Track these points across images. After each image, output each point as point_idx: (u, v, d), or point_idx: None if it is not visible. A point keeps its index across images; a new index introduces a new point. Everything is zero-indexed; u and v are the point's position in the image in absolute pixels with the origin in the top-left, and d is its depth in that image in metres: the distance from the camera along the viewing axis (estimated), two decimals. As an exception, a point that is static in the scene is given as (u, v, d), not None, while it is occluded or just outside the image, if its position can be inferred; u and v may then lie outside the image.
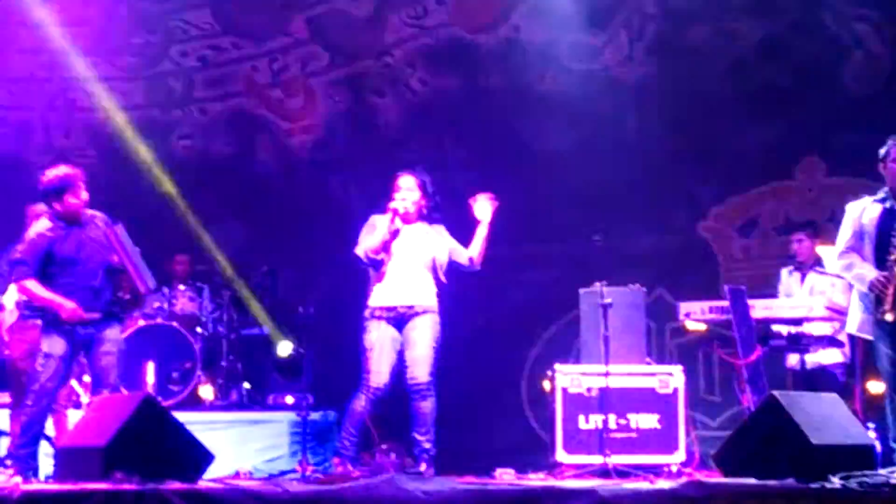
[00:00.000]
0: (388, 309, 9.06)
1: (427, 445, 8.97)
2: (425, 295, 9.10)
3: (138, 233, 9.42)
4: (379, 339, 9.04)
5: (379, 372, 8.99)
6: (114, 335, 9.11)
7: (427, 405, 9.00)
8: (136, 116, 13.35)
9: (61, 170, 9.21)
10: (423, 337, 9.01)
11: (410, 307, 9.04)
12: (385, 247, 9.03)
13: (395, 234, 9.01)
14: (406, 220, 9.10)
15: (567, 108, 12.85)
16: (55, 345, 8.95)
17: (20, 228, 9.67)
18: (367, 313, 9.15)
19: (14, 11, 13.39)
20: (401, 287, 9.08)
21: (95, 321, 8.97)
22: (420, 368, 8.99)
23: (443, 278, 9.17)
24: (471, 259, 9.16)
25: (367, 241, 9.10)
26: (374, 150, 13.13)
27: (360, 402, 9.02)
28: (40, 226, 9.11)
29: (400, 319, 9.05)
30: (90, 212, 9.22)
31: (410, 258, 9.09)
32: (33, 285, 8.90)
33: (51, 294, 8.86)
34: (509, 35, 13.38)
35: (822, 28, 12.47)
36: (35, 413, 8.97)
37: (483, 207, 9.07)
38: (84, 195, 9.10)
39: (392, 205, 9.07)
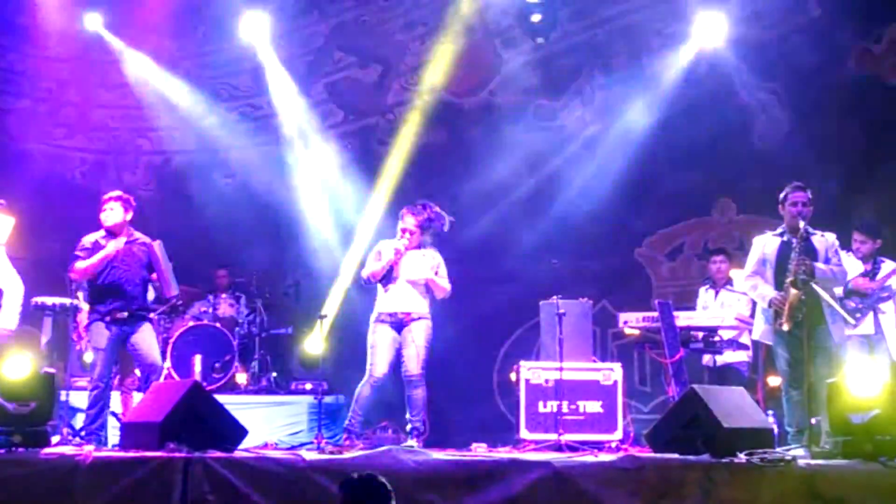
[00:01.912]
0: (390, 315, 9.11)
1: (418, 425, 9.00)
2: (420, 304, 9.19)
3: (187, 251, 9.42)
4: (381, 339, 9.11)
5: (380, 365, 9.06)
6: (147, 329, 9.10)
7: (418, 393, 9.03)
8: (190, 158, 13.32)
9: (113, 192, 9.28)
10: (418, 338, 9.07)
11: (408, 314, 9.09)
12: (383, 274, 9.10)
13: (393, 262, 9.08)
14: (407, 247, 9.16)
15: (532, 156, 12.87)
16: (99, 339, 8.98)
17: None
18: (372, 317, 9.18)
19: (93, 74, 13.38)
20: (401, 297, 9.13)
21: (126, 320, 8.97)
22: (414, 363, 9.03)
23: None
24: (443, 290, 9.29)
25: (371, 268, 9.20)
26: (378, 187, 13.07)
27: (366, 389, 9.08)
28: (96, 234, 9.13)
29: (399, 323, 9.10)
30: (137, 234, 9.23)
31: (409, 275, 9.14)
32: (80, 263, 8.93)
33: (95, 256, 8.89)
34: (487, 99, 13.40)
35: (734, 96, 12.48)
36: (95, 395, 8.97)
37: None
38: (105, 214, 9.08)
39: (396, 246, 9.10)
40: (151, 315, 9.50)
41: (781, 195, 8.62)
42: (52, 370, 8.40)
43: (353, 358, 11.55)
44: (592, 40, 13.11)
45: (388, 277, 9.16)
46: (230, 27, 13.17)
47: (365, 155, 13.48)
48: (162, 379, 10.42)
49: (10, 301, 9.09)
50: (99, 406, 8.99)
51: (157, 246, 9.15)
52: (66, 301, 10.03)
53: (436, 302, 9.35)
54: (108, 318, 9.00)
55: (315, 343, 11.79)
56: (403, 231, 9.23)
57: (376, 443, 9.36)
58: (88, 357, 9.94)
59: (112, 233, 9.13)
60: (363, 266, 9.47)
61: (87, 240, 9.14)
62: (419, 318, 9.13)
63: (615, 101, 12.86)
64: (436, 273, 9.25)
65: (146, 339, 9.07)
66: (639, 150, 12.39)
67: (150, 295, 9.61)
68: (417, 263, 9.22)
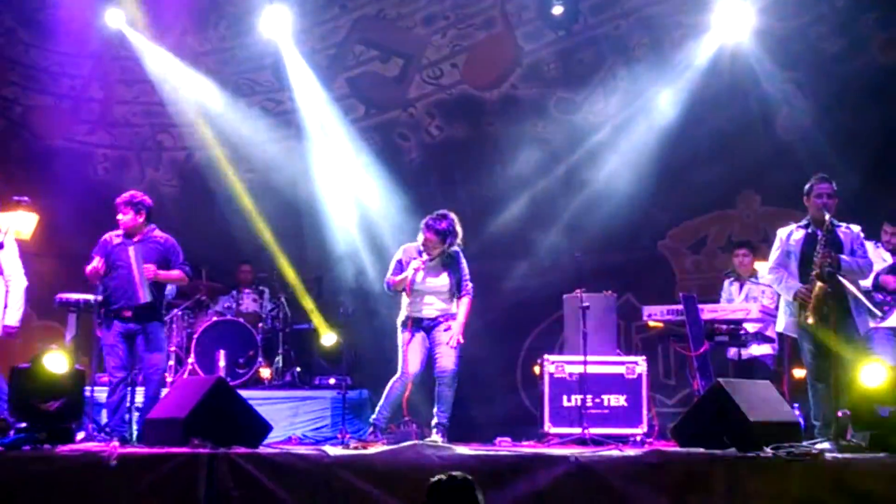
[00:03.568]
0: (419, 319, 9.17)
1: (444, 421, 8.98)
2: (446, 307, 9.20)
3: (209, 246, 9.42)
4: (413, 338, 9.14)
5: (413, 363, 9.11)
6: (147, 334, 9.12)
7: (449, 392, 9.02)
8: (213, 153, 13.32)
9: (125, 195, 9.30)
10: (446, 338, 9.10)
11: (436, 318, 9.10)
12: (405, 286, 9.13)
13: (416, 272, 9.10)
14: (428, 259, 9.18)
15: (553, 150, 12.82)
16: (107, 337, 9.03)
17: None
18: (399, 319, 9.21)
19: (115, 70, 13.40)
20: (426, 305, 9.18)
21: (132, 319, 9.00)
22: (447, 361, 9.07)
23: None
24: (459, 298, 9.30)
25: (393, 279, 9.26)
26: (400, 181, 13.06)
27: (398, 385, 9.13)
28: (112, 233, 9.18)
29: (429, 327, 9.09)
30: (157, 233, 9.26)
31: (431, 288, 9.18)
32: (89, 265, 9.00)
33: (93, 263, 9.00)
34: (508, 92, 13.33)
35: (757, 87, 12.40)
36: (112, 392, 9.04)
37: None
38: (123, 217, 9.11)
39: (415, 265, 9.11)
40: (175, 311, 9.50)
41: (806, 187, 8.57)
42: (78, 366, 8.44)
43: (374, 354, 11.62)
44: (614, 32, 13.04)
45: (410, 287, 9.16)
46: (251, 22, 13.15)
47: (386, 149, 13.46)
48: (186, 374, 10.49)
49: (12, 298, 9.17)
50: (116, 401, 9.04)
51: (132, 250, 9.11)
52: (90, 297, 10.06)
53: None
54: (115, 317, 9.06)
55: (336, 338, 11.81)
56: (425, 244, 9.20)
57: (400, 438, 9.34)
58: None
59: (128, 234, 9.18)
60: (389, 268, 9.44)
61: (105, 238, 9.23)
62: (447, 319, 9.14)
63: (637, 93, 12.79)
64: (459, 277, 9.23)
65: (149, 340, 9.10)
66: (661, 143, 12.34)
67: (170, 291, 9.60)
68: (439, 274, 9.23)
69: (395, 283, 9.21)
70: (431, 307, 9.18)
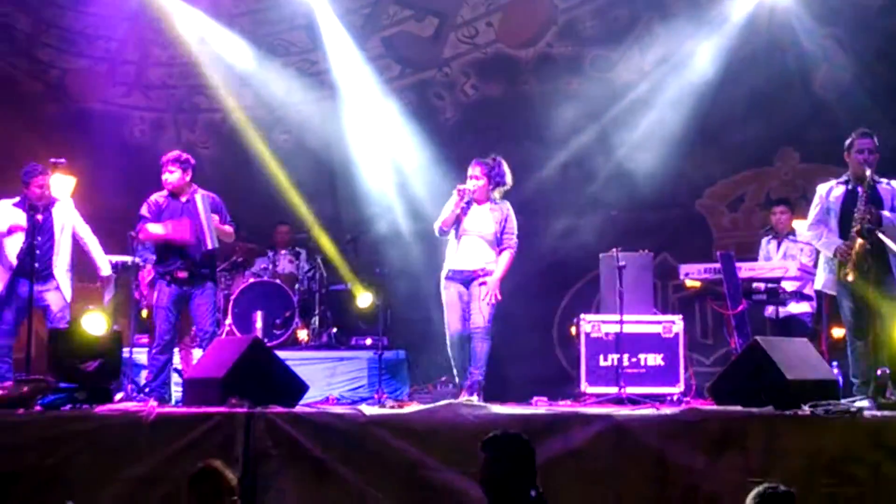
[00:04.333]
0: (459, 272, 9.13)
1: (479, 378, 8.98)
2: (486, 261, 9.16)
3: (246, 209, 9.46)
4: (451, 297, 9.18)
5: (454, 322, 9.14)
6: (207, 293, 9.15)
7: (483, 346, 9.06)
8: (248, 115, 13.33)
9: (168, 154, 9.33)
10: (482, 294, 9.07)
11: (475, 271, 9.08)
12: (455, 221, 9.07)
13: (463, 210, 9.08)
14: (478, 200, 9.15)
15: (589, 108, 12.69)
16: (161, 297, 9.09)
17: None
18: (442, 274, 9.23)
19: (150, 32, 13.40)
20: (469, 255, 9.15)
21: (188, 280, 9.02)
22: (479, 317, 9.07)
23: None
24: (502, 250, 9.23)
25: (442, 216, 9.23)
26: (436, 141, 13.03)
27: (452, 348, 9.17)
28: (160, 193, 9.22)
29: (467, 280, 9.09)
30: (201, 191, 9.30)
31: (477, 231, 9.13)
32: (151, 227, 8.99)
33: (161, 228, 9.02)
34: (544, 50, 13.22)
35: (796, 44, 12.25)
36: (156, 353, 9.10)
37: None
38: (172, 176, 9.15)
39: (460, 186, 9.08)
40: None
41: (847, 142, 8.46)
42: (116, 327, 8.51)
43: (410, 313, 11.64)
44: (651, -12, 12.92)
45: (457, 232, 9.13)
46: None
47: (422, 109, 13.42)
48: (223, 335, 10.54)
49: (98, 249, 9.58)
50: (161, 363, 9.10)
51: (200, 198, 9.19)
52: (128, 259, 10.12)
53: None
54: (167, 278, 9.10)
55: (372, 299, 11.84)
56: (470, 178, 9.20)
57: (437, 397, 9.36)
58: (145, 314, 10.09)
59: (174, 194, 9.20)
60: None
61: (151, 200, 9.23)
62: (486, 275, 9.12)
63: (674, 50, 12.65)
64: (503, 228, 9.21)
65: (203, 303, 9.16)
66: (699, 100, 12.21)
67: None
68: (485, 218, 9.20)
69: (447, 218, 9.16)
70: (472, 258, 9.15)
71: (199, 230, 9.10)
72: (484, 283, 9.10)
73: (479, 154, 9.52)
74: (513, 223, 9.26)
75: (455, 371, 9.21)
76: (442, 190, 10.41)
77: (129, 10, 13.15)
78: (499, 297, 9.09)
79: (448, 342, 9.19)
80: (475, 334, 9.08)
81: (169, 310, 9.10)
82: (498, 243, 9.21)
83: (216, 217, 9.23)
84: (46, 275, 9.18)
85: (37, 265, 8.94)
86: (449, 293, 9.18)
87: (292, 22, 13.49)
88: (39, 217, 9.05)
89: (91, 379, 7.88)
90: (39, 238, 9.04)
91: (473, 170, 9.24)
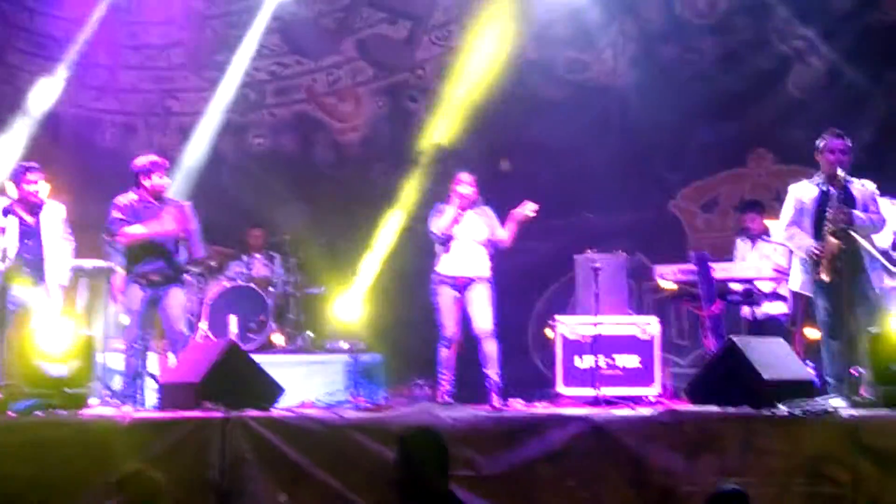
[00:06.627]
0: (451, 277, 9.18)
1: (496, 379, 9.05)
2: (482, 267, 9.29)
3: (219, 211, 9.44)
4: (445, 300, 9.21)
5: (449, 326, 9.18)
6: (178, 294, 9.10)
7: (493, 347, 9.12)
8: (220, 119, 13.30)
9: (150, 157, 9.28)
10: (482, 297, 9.20)
11: (469, 278, 9.17)
12: (453, 225, 9.13)
13: (460, 216, 9.13)
14: (465, 207, 9.23)
15: (563, 110, 12.73)
16: (133, 301, 9.01)
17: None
18: (435, 279, 9.24)
19: (122, 36, 13.35)
20: (463, 260, 9.21)
21: (159, 282, 8.97)
22: (483, 321, 9.13)
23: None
24: (502, 240, 9.32)
25: (440, 222, 9.26)
26: (409, 144, 13.04)
27: (443, 351, 9.21)
28: (128, 196, 9.12)
29: (461, 286, 9.13)
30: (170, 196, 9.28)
31: (469, 237, 9.20)
32: (132, 229, 8.92)
33: (147, 227, 8.90)
34: (517, 52, 13.27)
35: (770, 44, 12.34)
36: (131, 357, 9.02)
37: (525, 210, 9.18)
38: (166, 180, 9.13)
39: (461, 190, 9.25)
40: (186, 276, 9.50)
41: (818, 143, 8.51)
42: (89, 332, 8.46)
43: (390, 317, 11.62)
44: (624, -10, 12.97)
45: (449, 238, 9.19)
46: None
47: (396, 111, 13.42)
48: (199, 340, 10.49)
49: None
50: (135, 368, 9.04)
51: (188, 207, 9.17)
52: (101, 263, 10.06)
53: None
54: (142, 281, 9.04)
55: (348, 302, 11.82)
56: (462, 184, 9.32)
57: (413, 400, 9.36)
58: (123, 319, 9.99)
59: (157, 196, 9.15)
60: (430, 221, 9.46)
61: (121, 201, 9.13)
62: (480, 280, 9.19)
63: (647, 52, 12.72)
64: (492, 227, 9.33)
65: (174, 305, 9.07)
66: (673, 101, 12.24)
67: (183, 256, 9.60)
68: (477, 223, 9.31)
69: (445, 223, 9.20)
70: (467, 265, 9.21)
71: (189, 236, 9.09)
72: (481, 290, 9.16)
73: (454, 156, 9.58)
74: (498, 223, 9.37)
75: (441, 372, 9.19)
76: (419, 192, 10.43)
77: (101, 14, 13.09)
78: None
79: (441, 344, 9.18)
80: (483, 338, 9.14)
81: (142, 313, 9.03)
82: (492, 245, 9.30)
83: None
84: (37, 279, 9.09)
85: (27, 269, 8.89)
86: (444, 298, 9.22)
87: (266, 25, 13.46)
88: (30, 220, 9.01)
89: (64, 384, 7.84)
90: (29, 242, 8.98)
91: (465, 177, 9.39)
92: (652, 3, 12.86)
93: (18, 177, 9.10)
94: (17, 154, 11.83)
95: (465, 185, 9.33)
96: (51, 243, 9.12)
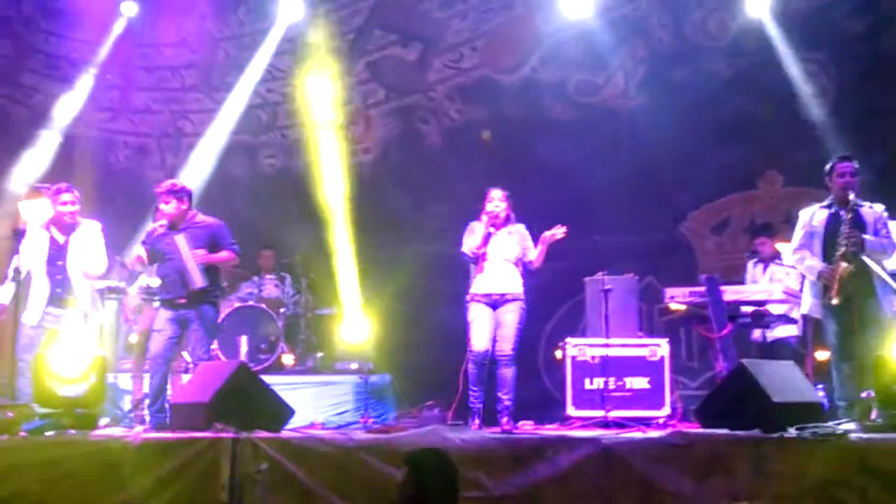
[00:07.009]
0: (486, 295, 9.03)
1: (508, 403, 8.85)
2: (514, 284, 9.10)
3: (230, 231, 9.44)
4: (478, 315, 8.99)
5: (479, 340, 8.94)
6: (203, 316, 9.09)
7: (509, 372, 8.92)
8: (232, 140, 13.36)
9: (163, 183, 9.28)
10: (512, 320, 8.99)
11: (503, 294, 9.01)
12: (485, 243, 9.05)
13: (489, 235, 9.05)
14: (496, 225, 9.13)
15: (574, 132, 12.78)
16: (157, 321, 9.01)
17: (140, 227, 9.78)
18: (468, 297, 9.09)
19: (135, 58, 13.43)
20: (495, 278, 9.05)
21: (185, 305, 8.98)
22: (506, 343, 8.94)
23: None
24: (532, 262, 9.16)
25: (471, 241, 9.14)
26: (420, 165, 13.08)
27: (471, 367, 8.94)
28: (157, 223, 9.15)
29: (495, 303, 9.02)
30: (200, 217, 9.25)
31: (502, 255, 9.09)
32: (131, 256, 9.00)
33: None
34: (528, 75, 13.30)
35: (779, 66, 12.35)
36: (154, 377, 9.00)
37: (553, 234, 9.07)
38: (167, 206, 9.11)
39: (490, 207, 9.13)
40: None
41: (827, 166, 8.53)
42: (102, 353, 8.48)
43: (399, 337, 11.62)
44: (634, 13, 13.00)
45: (482, 256, 9.10)
46: (270, 7, 13.19)
47: (407, 133, 13.46)
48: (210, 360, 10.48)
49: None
50: (159, 387, 9.01)
51: (179, 239, 9.05)
52: (114, 283, 10.09)
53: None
54: (168, 305, 9.02)
55: (357, 323, 11.84)
56: (493, 201, 9.20)
57: (423, 422, 9.35)
58: (133, 339, 10.03)
59: (172, 224, 9.15)
60: (464, 241, 9.32)
61: (150, 228, 9.19)
62: (514, 300, 9.04)
63: (658, 74, 12.76)
64: (525, 247, 9.20)
65: (198, 328, 9.04)
66: (683, 124, 12.27)
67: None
68: (508, 241, 9.17)
69: (477, 244, 9.06)
70: (499, 282, 9.06)
71: (182, 272, 9.04)
72: (513, 310, 9.02)
73: (465, 177, 9.56)
74: (531, 241, 9.25)
75: (473, 388, 8.93)
76: (429, 213, 10.44)
77: (113, 36, 13.18)
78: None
79: (470, 360, 8.93)
80: (501, 360, 8.98)
81: (165, 331, 9.00)
82: (523, 266, 9.18)
83: (201, 251, 9.08)
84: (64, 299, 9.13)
85: (58, 290, 8.98)
86: (478, 311, 9.00)
87: (277, 47, 13.53)
88: (60, 240, 9.09)
89: (76, 405, 7.86)
90: (58, 263, 9.06)
91: (496, 194, 9.22)
92: (662, 25, 12.90)
93: (52, 197, 9.17)
94: (40, 172, 11.97)
95: (495, 201, 9.18)
96: (77, 266, 9.15)
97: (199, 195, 12.51)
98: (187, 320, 8.99)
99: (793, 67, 12.38)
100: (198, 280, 8.93)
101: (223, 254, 9.23)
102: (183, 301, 8.94)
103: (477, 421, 8.77)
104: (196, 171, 13.10)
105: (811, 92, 12.31)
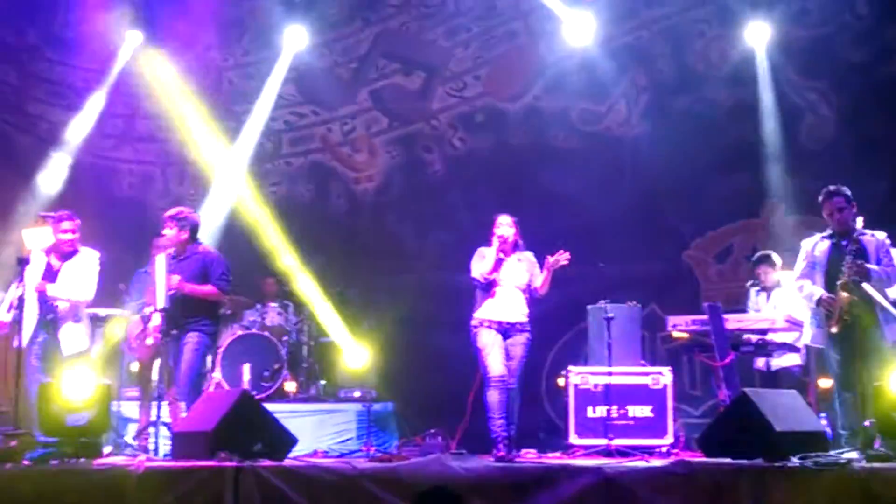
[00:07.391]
0: (497, 322, 8.95)
1: (511, 433, 8.79)
2: (523, 312, 9.06)
3: (234, 261, 9.47)
4: (489, 341, 8.88)
5: (494, 366, 8.81)
6: (186, 342, 9.10)
7: (512, 403, 8.86)
8: (239, 168, 13.40)
9: (171, 210, 9.34)
10: (520, 352, 8.96)
11: (513, 324, 8.97)
12: (496, 268, 8.99)
13: (500, 260, 9.00)
14: (506, 251, 9.08)
15: (577, 161, 12.83)
16: (165, 353, 9.05)
17: (145, 256, 9.80)
18: (475, 322, 8.98)
19: (140, 85, 13.46)
20: (505, 305, 8.99)
21: (177, 335, 9.01)
22: (512, 372, 8.89)
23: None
24: (537, 289, 9.11)
25: (481, 266, 9.05)
26: (423, 194, 13.11)
27: (492, 394, 8.78)
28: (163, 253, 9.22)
29: (505, 331, 8.96)
30: (202, 247, 9.30)
31: (513, 282, 9.05)
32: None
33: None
34: (531, 103, 13.35)
35: (781, 96, 12.40)
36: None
37: (557, 260, 9.01)
38: (166, 234, 9.16)
39: (499, 232, 9.07)
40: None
41: (820, 200, 8.54)
42: (106, 381, 8.48)
43: (402, 365, 11.62)
44: (636, 43, 13.07)
45: (492, 283, 9.05)
46: (274, 36, 13.26)
47: (410, 161, 13.50)
48: (212, 388, 10.51)
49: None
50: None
51: (158, 259, 9.15)
52: (117, 311, 10.11)
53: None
54: (166, 335, 9.05)
55: (358, 351, 11.85)
56: (502, 235, 9.12)
57: (426, 450, 9.34)
58: (134, 367, 10.04)
59: (176, 253, 9.23)
60: (472, 266, 9.23)
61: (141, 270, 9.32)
62: (522, 330, 9.01)
63: (660, 103, 12.81)
64: (533, 274, 9.16)
65: (182, 352, 9.09)
66: (685, 152, 12.32)
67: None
68: (518, 268, 9.13)
69: (487, 269, 8.96)
70: (509, 310, 9.00)
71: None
72: (521, 342, 8.98)
73: (468, 206, 9.55)
74: (538, 268, 9.19)
75: (491, 417, 8.76)
76: (431, 241, 10.45)
77: (118, 64, 13.23)
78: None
79: (489, 387, 8.77)
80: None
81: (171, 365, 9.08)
82: (530, 293, 9.14)
83: (176, 277, 9.07)
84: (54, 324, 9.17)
85: (49, 315, 9.07)
86: (489, 336, 8.88)
87: (282, 75, 13.58)
88: (55, 265, 9.19)
89: (79, 433, 7.86)
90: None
91: (504, 219, 9.18)
92: (664, 54, 12.96)
93: (53, 225, 9.25)
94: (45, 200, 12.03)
95: (504, 226, 9.13)
96: (62, 291, 9.22)
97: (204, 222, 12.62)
98: (177, 348, 9.04)
99: (795, 97, 12.42)
100: (159, 300, 8.96)
101: (204, 287, 9.24)
102: (174, 333, 9.00)
103: (503, 450, 8.60)
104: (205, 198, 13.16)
105: (812, 120, 12.36)
